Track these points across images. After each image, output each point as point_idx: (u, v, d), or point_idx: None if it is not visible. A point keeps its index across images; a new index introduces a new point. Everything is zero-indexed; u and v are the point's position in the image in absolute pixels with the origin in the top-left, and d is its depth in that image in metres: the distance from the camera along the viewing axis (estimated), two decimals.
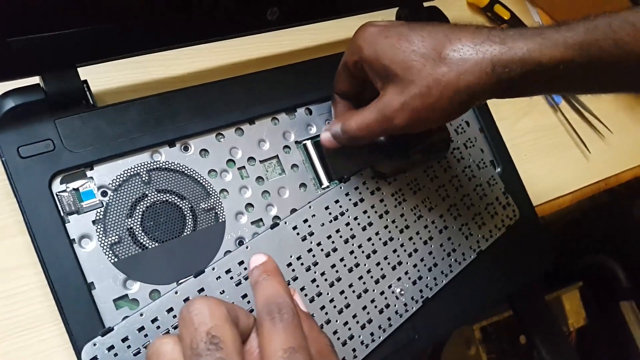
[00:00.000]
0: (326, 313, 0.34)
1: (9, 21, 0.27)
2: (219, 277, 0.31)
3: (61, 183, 0.30)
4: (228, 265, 0.32)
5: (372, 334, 0.35)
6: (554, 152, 0.56)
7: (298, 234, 0.35)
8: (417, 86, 0.30)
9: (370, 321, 0.36)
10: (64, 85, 0.31)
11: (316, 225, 0.35)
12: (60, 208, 0.30)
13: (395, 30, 0.32)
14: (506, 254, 0.44)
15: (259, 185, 0.36)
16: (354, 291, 0.35)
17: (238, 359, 0.21)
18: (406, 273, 0.38)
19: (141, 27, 0.32)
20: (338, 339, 0.34)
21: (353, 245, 0.36)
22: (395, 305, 0.37)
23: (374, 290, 0.36)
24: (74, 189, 0.30)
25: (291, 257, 0.34)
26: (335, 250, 0.36)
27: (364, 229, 0.37)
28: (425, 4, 0.48)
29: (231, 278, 0.32)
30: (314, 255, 0.35)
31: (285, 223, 0.34)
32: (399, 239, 0.38)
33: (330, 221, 0.36)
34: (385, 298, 0.37)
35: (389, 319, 0.36)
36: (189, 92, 0.35)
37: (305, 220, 0.35)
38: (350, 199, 0.37)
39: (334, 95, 0.38)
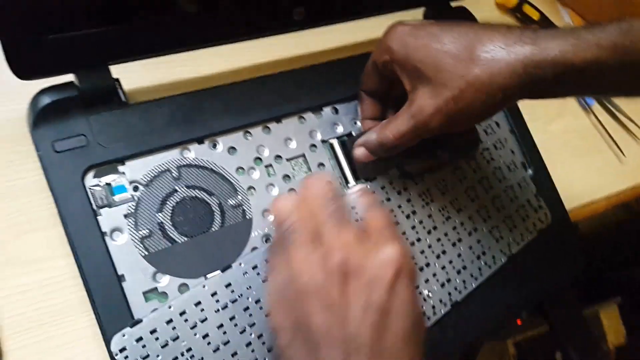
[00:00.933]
0: None
1: (49, 19, 0.28)
2: (246, 272, 0.31)
3: (94, 177, 0.31)
4: (255, 261, 0.32)
5: None
6: (587, 155, 0.55)
7: None
8: (449, 89, 0.30)
9: None
10: (97, 83, 0.32)
11: None
12: (92, 201, 0.30)
13: (426, 31, 0.32)
14: (538, 258, 0.43)
15: (285, 183, 0.36)
16: None
17: None
18: (434, 275, 0.37)
19: (171, 27, 0.33)
20: None
21: None
22: (423, 308, 0.36)
23: None
24: (106, 183, 0.31)
25: None
26: None
27: None
28: (453, 4, 0.47)
29: (258, 274, 0.32)
30: None
31: None
32: (426, 240, 0.38)
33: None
34: None
35: None
36: (217, 90, 0.36)
37: None
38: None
39: (361, 92, 0.38)
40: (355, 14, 0.42)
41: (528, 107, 0.48)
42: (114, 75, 0.32)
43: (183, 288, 0.31)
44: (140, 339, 0.28)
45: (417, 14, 0.47)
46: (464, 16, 0.49)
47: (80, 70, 0.31)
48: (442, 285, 0.37)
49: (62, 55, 0.30)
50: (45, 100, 0.31)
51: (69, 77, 0.31)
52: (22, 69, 0.29)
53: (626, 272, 0.88)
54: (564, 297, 0.74)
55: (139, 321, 0.28)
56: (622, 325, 0.79)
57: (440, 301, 0.37)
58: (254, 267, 0.32)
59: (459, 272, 0.38)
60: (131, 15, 0.31)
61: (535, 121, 0.51)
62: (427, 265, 0.37)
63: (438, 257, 0.38)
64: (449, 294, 0.38)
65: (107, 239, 0.30)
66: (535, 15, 0.58)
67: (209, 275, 0.31)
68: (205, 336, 0.29)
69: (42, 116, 0.31)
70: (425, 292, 0.37)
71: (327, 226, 0.26)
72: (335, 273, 0.24)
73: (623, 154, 0.56)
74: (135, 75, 0.36)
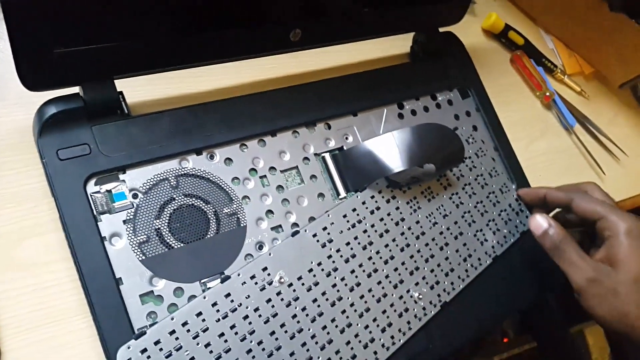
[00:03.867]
0: (347, 317, 0.35)
1: (56, 33, 0.29)
2: (245, 282, 0.32)
3: (95, 184, 0.32)
4: (252, 271, 0.33)
5: (392, 337, 0.36)
6: (568, 173, 0.57)
7: (318, 241, 0.36)
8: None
9: (390, 325, 0.36)
10: (102, 95, 0.33)
11: (335, 233, 0.36)
12: (93, 207, 0.31)
13: None
14: (522, 261, 0.44)
15: (279, 194, 0.37)
16: (373, 295, 0.36)
17: None
18: (424, 278, 0.39)
19: (174, 45, 0.35)
20: (360, 341, 0.34)
21: (371, 251, 0.37)
22: (414, 309, 0.37)
23: (392, 295, 0.37)
24: (107, 191, 0.32)
25: (312, 263, 0.35)
26: (354, 256, 0.36)
27: (381, 235, 0.38)
28: (441, 30, 0.50)
29: (256, 283, 0.33)
30: (333, 262, 0.36)
31: (306, 231, 0.36)
32: (415, 245, 0.39)
33: (349, 229, 0.37)
34: (404, 302, 0.37)
35: (409, 322, 0.37)
36: (216, 105, 0.37)
37: (325, 228, 0.36)
38: (367, 207, 0.38)
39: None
40: (348, 37, 0.44)
41: (511, 127, 0.50)
42: (119, 88, 0.34)
43: (178, 292, 0.31)
44: (145, 350, 0.28)
45: (407, 37, 0.50)
46: (452, 41, 0.51)
47: (85, 83, 0.33)
48: (432, 287, 0.39)
49: (69, 69, 0.31)
50: (52, 110, 0.32)
51: (75, 89, 0.33)
52: (31, 81, 0.30)
53: None
54: (550, 314, 0.75)
55: (143, 333, 0.29)
56: (607, 344, 0.80)
57: (430, 302, 0.38)
58: (252, 277, 0.33)
59: (447, 274, 0.40)
60: (137, 32, 0.32)
61: (519, 140, 0.53)
62: (417, 269, 0.38)
63: (427, 260, 0.39)
64: (438, 295, 0.39)
65: (106, 243, 0.31)
66: (519, 41, 0.60)
67: (209, 285, 0.32)
68: (207, 345, 0.30)
69: (47, 125, 0.32)
70: (416, 294, 0.38)
71: None
72: None
73: (603, 173, 0.58)
74: (138, 90, 0.37)
